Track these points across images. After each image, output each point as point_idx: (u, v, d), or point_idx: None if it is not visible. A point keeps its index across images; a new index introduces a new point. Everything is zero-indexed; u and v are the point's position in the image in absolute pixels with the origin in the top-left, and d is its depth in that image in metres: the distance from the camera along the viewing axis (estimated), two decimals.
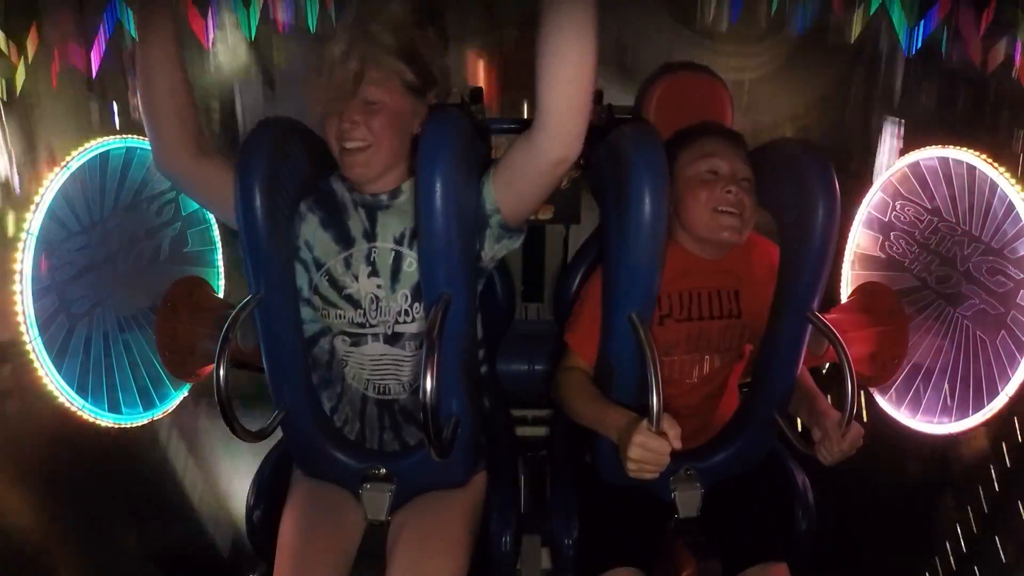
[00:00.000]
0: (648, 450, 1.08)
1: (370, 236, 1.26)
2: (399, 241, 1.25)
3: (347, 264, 1.26)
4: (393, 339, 1.27)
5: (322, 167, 1.29)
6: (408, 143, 1.25)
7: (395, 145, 1.23)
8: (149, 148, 1.58)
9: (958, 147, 1.47)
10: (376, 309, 1.26)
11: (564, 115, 1.03)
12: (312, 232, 1.27)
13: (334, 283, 1.26)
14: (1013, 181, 1.35)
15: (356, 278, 1.26)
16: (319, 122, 1.24)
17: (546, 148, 1.06)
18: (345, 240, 1.27)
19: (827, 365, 1.70)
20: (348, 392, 1.33)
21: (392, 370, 1.30)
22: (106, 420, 1.48)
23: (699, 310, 1.35)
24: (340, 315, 1.27)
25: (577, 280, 1.59)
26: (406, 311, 1.26)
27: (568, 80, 0.99)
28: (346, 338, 1.29)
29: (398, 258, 1.25)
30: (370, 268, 1.25)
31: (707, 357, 1.39)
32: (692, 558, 1.31)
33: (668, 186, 1.17)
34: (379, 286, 1.25)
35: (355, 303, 1.26)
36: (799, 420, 1.36)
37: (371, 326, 1.27)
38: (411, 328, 1.26)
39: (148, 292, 1.61)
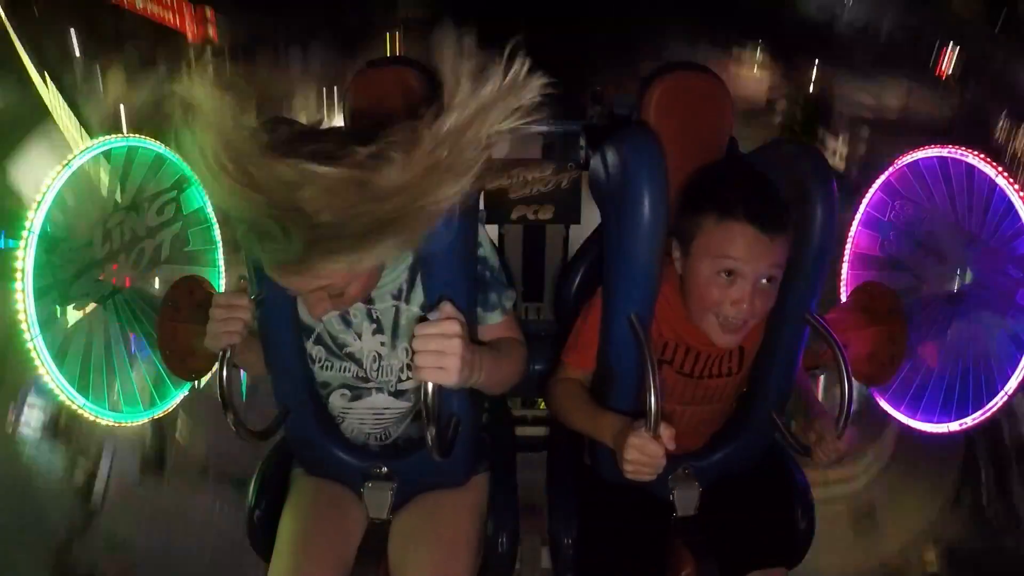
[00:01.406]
0: (644, 453, 1.08)
1: (363, 299, 1.18)
2: (396, 297, 1.19)
3: (345, 322, 1.21)
4: (398, 394, 1.24)
5: None
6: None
7: (372, 287, 1.11)
8: (151, 147, 1.60)
9: (957, 147, 1.47)
10: (377, 368, 1.22)
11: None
12: None
13: (334, 340, 1.22)
14: (1011, 180, 1.36)
15: (359, 336, 1.21)
16: None
17: None
18: None
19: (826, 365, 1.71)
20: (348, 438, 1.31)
21: (394, 420, 1.27)
22: (106, 419, 1.49)
23: (701, 368, 1.32)
24: (344, 368, 1.23)
25: (577, 280, 1.59)
26: (407, 366, 1.21)
27: (502, 390, 1.24)
28: (346, 392, 1.25)
29: (398, 313, 1.20)
30: (375, 325, 1.20)
31: (702, 408, 1.38)
32: (691, 557, 1.32)
33: (667, 188, 1.16)
34: (383, 343, 1.21)
35: (356, 361, 1.22)
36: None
37: (373, 382, 1.24)
38: (415, 384, 1.22)
39: (149, 291, 1.61)
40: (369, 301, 1.19)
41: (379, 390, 1.24)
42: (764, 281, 1.13)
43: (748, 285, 1.12)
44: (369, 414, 1.26)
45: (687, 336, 1.30)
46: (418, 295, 1.18)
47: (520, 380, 1.25)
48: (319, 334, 1.22)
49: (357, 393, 1.24)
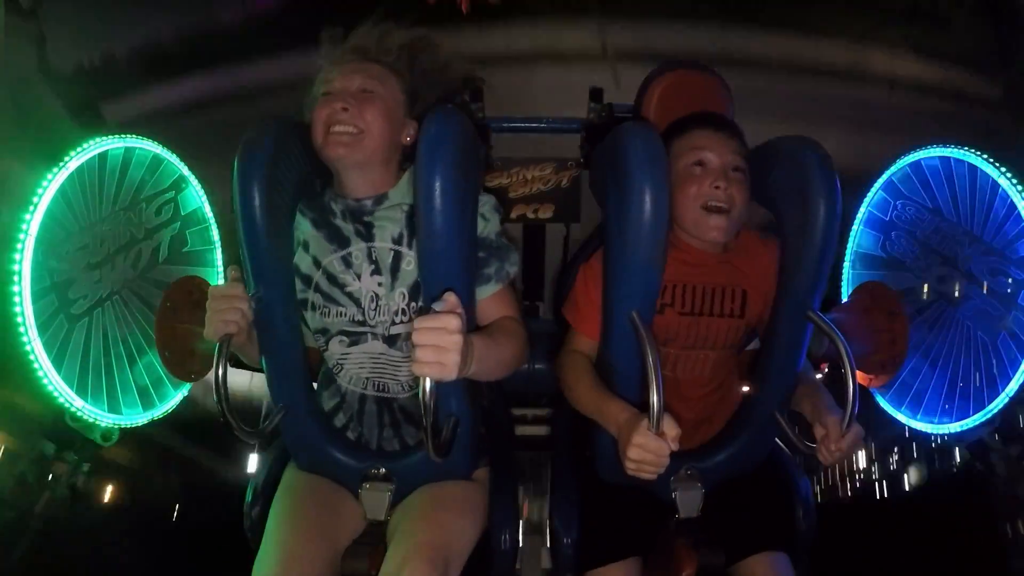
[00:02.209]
0: (647, 451, 1.08)
1: (366, 237, 1.27)
2: (397, 241, 1.26)
3: (346, 263, 1.27)
4: (390, 340, 1.28)
5: (321, 166, 1.28)
6: (397, 149, 1.29)
7: (383, 140, 1.24)
8: (148, 148, 1.59)
9: (960, 147, 1.46)
10: (375, 308, 1.27)
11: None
12: (307, 232, 1.29)
13: (334, 280, 1.27)
14: (1014, 181, 1.35)
15: (359, 276, 1.27)
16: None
17: None
18: (338, 240, 1.27)
19: (827, 364, 1.70)
20: (346, 395, 1.34)
21: (390, 370, 1.30)
22: (106, 420, 1.48)
23: (701, 305, 1.35)
24: (341, 312, 1.28)
25: None
26: (403, 310, 1.26)
27: (501, 374, 1.25)
28: (344, 338, 1.29)
29: (397, 257, 1.26)
30: (373, 266, 1.26)
31: (706, 353, 1.38)
32: (692, 557, 1.31)
33: (668, 185, 1.16)
34: (380, 284, 1.26)
35: (355, 300, 1.27)
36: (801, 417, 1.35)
37: (370, 326, 1.28)
38: (408, 328, 1.26)
39: (147, 292, 1.60)
40: (370, 239, 1.26)
41: (374, 336, 1.28)
42: (733, 171, 1.28)
43: (717, 168, 1.28)
44: (366, 359, 1.30)
45: (684, 265, 1.32)
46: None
47: (520, 366, 1.27)
48: (317, 281, 1.28)
49: (354, 339, 1.29)
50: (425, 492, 1.30)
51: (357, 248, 1.27)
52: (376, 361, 1.30)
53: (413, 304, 1.26)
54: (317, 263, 1.28)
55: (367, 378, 1.31)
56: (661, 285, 1.29)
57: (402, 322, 1.27)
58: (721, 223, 1.26)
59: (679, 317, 1.34)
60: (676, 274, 1.32)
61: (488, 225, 1.26)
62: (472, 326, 1.25)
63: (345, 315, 1.28)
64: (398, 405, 1.32)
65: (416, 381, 1.27)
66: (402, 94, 1.29)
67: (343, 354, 1.30)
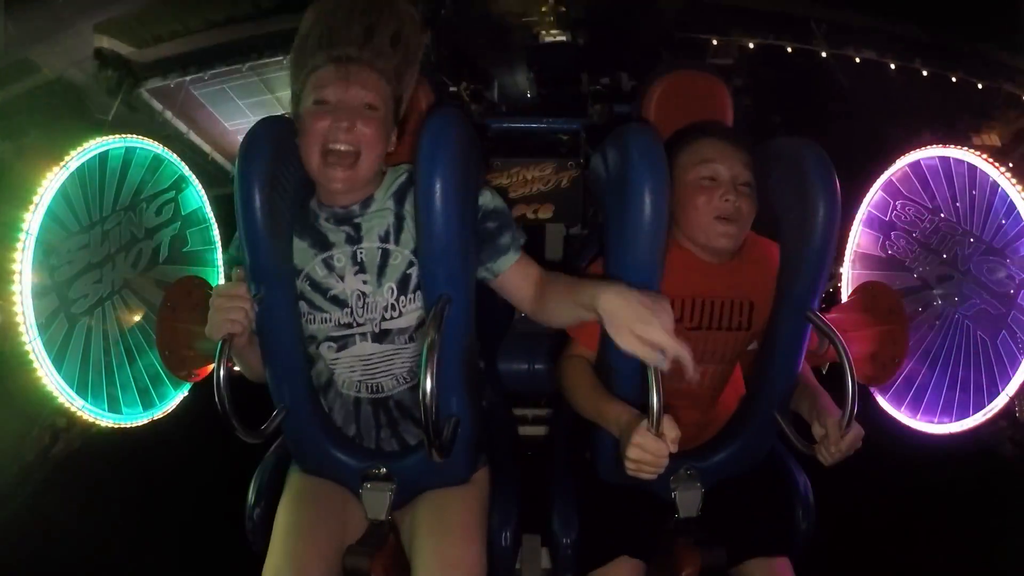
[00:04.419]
0: (646, 452, 1.08)
1: (354, 240, 1.25)
2: (384, 239, 1.25)
3: (328, 266, 1.26)
4: (381, 336, 1.27)
5: None
6: (383, 159, 1.24)
7: (378, 161, 1.21)
8: (148, 148, 1.60)
9: (959, 147, 1.47)
10: (363, 306, 1.26)
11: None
12: (293, 242, 1.27)
13: (317, 287, 1.26)
14: (1014, 181, 1.35)
15: (342, 278, 1.25)
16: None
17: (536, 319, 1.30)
18: (321, 244, 1.26)
19: (827, 365, 1.70)
20: (340, 398, 1.33)
21: (383, 367, 1.29)
22: (106, 420, 1.48)
23: (710, 320, 1.34)
24: (325, 319, 1.26)
25: None
26: (392, 305, 1.25)
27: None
28: (332, 344, 1.28)
29: (385, 254, 1.25)
30: (357, 267, 1.25)
31: (714, 367, 1.38)
32: (694, 555, 1.31)
33: (668, 186, 1.17)
34: (365, 282, 1.25)
35: (341, 303, 1.26)
36: (800, 418, 1.35)
37: (358, 325, 1.26)
38: (399, 323, 1.26)
39: (148, 292, 1.61)
40: (357, 241, 1.25)
41: (363, 337, 1.27)
42: (742, 185, 1.29)
43: (728, 182, 1.29)
44: (357, 361, 1.29)
45: (693, 276, 1.32)
46: (407, 239, 1.24)
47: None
48: (301, 289, 1.27)
49: (343, 343, 1.28)
50: (434, 516, 1.29)
51: (340, 251, 1.25)
52: (367, 362, 1.29)
53: (403, 298, 1.25)
54: (298, 271, 1.26)
55: (359, 380, 1.30)
56: (670, 300, 1.29)
57: (392, 318, 1.25)
58: (730, 230, 1.27)
59: (687, 332, 1.33)
60: (685, 287, 1.32)
61: (494, 199, 1.25)
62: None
63: (330, 320, 1.26)
64: (393, 402, 1.31)
65: (411, 372, 1.28)
66: (392, 101, 1.23)
67: (333, 359, 1.29)
